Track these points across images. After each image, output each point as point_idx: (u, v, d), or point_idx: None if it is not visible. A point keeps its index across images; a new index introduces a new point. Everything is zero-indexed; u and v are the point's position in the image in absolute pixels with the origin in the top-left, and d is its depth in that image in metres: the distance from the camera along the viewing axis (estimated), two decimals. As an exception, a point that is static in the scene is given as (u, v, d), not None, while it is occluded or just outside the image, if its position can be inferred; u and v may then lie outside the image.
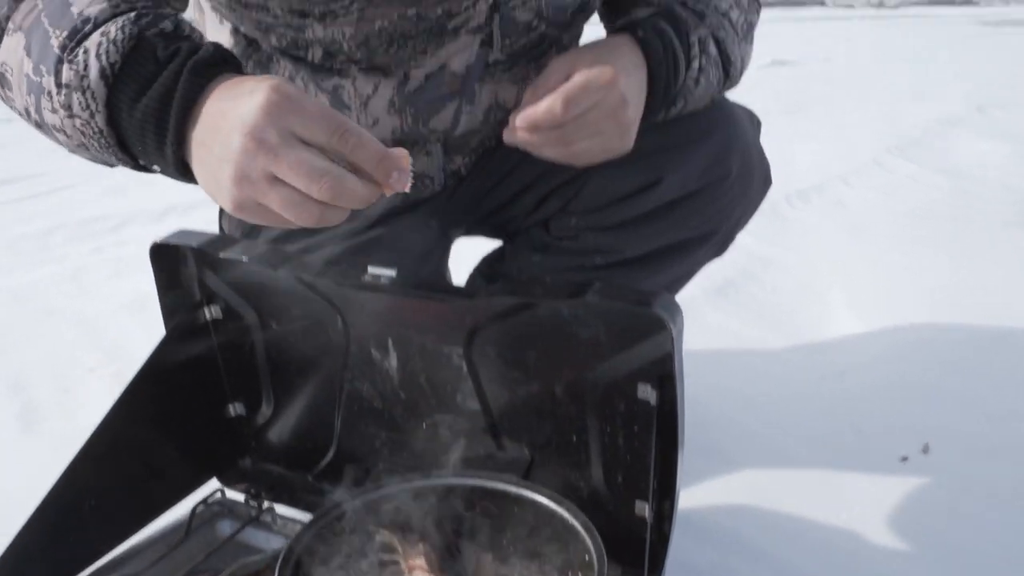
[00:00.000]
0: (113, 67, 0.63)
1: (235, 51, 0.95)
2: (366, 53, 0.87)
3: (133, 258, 2.19)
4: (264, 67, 0.93)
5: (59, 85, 0.64)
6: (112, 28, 0.63)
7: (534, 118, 0.79)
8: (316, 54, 0.88)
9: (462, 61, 0.90)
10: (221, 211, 1.09)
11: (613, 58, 0.83)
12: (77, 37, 0.64)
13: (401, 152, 0.60)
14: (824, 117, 4.48)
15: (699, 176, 0.98)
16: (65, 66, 0.64)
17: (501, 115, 0.97)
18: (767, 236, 2.19)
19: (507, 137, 0.82)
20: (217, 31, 0.95)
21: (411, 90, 0.91)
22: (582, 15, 0.96)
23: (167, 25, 0.66)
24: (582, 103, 0.79)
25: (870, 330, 1.66)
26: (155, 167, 0.67)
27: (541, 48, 0.96)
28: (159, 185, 2.81)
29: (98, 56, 0.63)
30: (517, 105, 0.91)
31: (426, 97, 0.92)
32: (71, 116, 0.65)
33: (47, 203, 2.84)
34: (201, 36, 0.68)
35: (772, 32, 16.81)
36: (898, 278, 1.93)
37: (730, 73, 0.97)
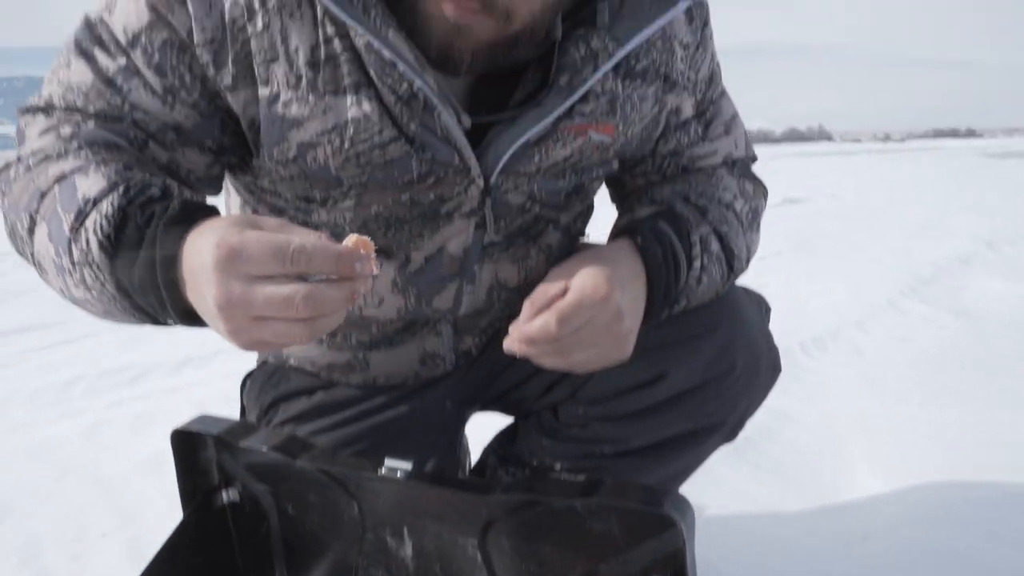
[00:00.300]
0: (108, 239, 0.68)
1: None
2: (366, 235, 0.91)
3: (151, 413, 2.20)
4: None
5: (73, 264, 0.71)
6: (104, 204, 0.69)
7: (529, 334, 0.80)
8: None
9: (459, 244, 0.94)
10: (243, 384, 1.12)
11: (610, 269, 0.84)
12: (80, 218, 0.70)
13: (354, 243, 0.63)
14: (836, 256, 4.54)
15: (703, 371, 0.99)
16: (73, 246, 0.70)
17: (505, 294, 1.00)
18: (784, 387, 2.16)
19: (506, 346, 0.84)
20: (241, 212, 1.01)
21: (412, 271, 0.95)
22: (577, 196, 1.00)
23: (154, 192, 0.71)
24: (575, 321, 0.80)
25: (892, 490, 1.63)
26: (168, 320, 0.70)
27: (538, 228, 0.99)
28: (177, 335, 2.88)
29: (95, 232, 0.69)
30: (519, 285, 0.94)
31: (427, 278, 0.95)
32: (88, 289, 0.71)
33: (68, 352, 2.89)
34: (180, 194, 0.73)
35: (781, 168, 17.34)
36: (919, 432, 1.91)
37: (734, 267, 0.98)
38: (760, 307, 1.08)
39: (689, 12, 0.97)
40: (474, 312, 1.00)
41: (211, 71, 0.80)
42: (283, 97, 0.81)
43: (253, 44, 0.80)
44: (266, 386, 1.09)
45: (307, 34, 0.80)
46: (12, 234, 0.79)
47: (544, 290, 0.84)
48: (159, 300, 0.67)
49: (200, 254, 0.62)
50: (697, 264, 0.93)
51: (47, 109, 0.82)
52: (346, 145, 0.83)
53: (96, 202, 0.70)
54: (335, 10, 0.76)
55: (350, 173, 0.86)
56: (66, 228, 0.71)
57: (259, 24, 0.79)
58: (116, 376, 2.58)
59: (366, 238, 0.64)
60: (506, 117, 0.87)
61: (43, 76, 0.86)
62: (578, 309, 0.80)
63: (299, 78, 0.81)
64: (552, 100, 0.86)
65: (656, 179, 1.05)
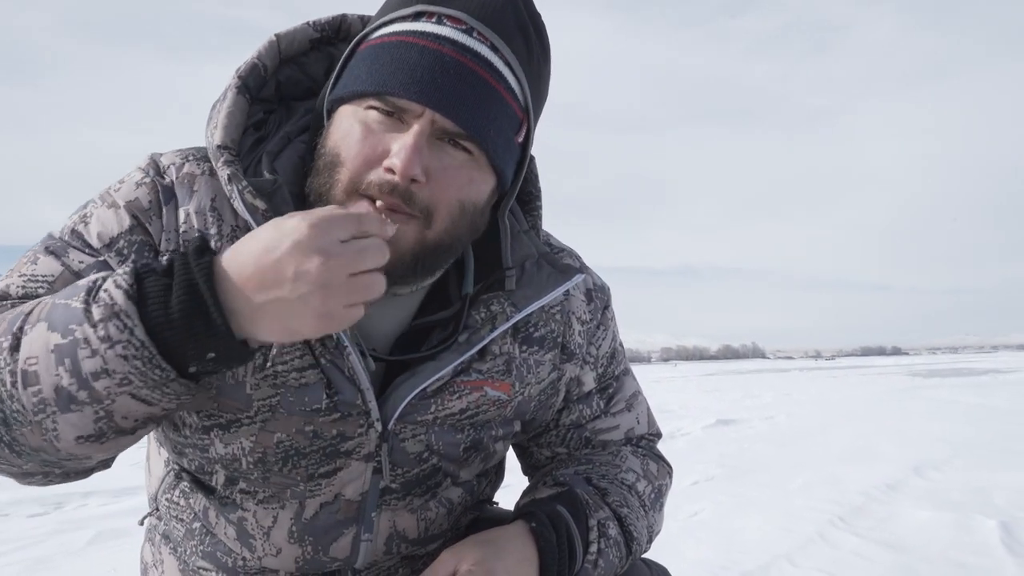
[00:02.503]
0: (132, 288, 0.70)
1: (166, 481, 1.00)
2: (262, 471, 0.90)
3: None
4: (187, 496, 0.97)
5: (94, 325, 0.70)
6: (116, 274, 0.72)
7: None
8: (219, 479, 0.92)
9: (356, 488, 0.93)
10: None
11: (501, 556, 0.85)
12: (93, 291, 0.72)
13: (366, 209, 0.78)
14: (768, 483, 4.55)
15: None
16: (93, 307, 0.70)
17: (404, 546, 0.98)
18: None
19: None
20: (156, 458, 1.03)
21: (308, 517, 0.93)
22: (477, 453, 1.00)
23: (158, 265, 0.73)
24: None
25: None
26: (210, 355, 0.70)
27: (436, 479, 0.99)
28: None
29: (117, 287, 0.70)
30: (419, 537, 0.94)
31: (323, 524, 0.94)
32: (112, 344, 0.69)
33: None
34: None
35: (716, 387, 17.72)
36: None
37: (632, 549, 0.98)
38: None
39: (589, 294, 1.06)
40: (373, 564, 0.98)
41: None
42: None
43: None
44: None
45: None
46: None
47: (433, 569, 0.85)
48: (205, 322, 0.69)
49: (267, 248, 0.69)
50: (594, 548, 0.93)
51: (2, 297, 0.84)
52: (268, 364, 0.86)
53: (105, 278, 0.72)
54: None
55: (263, 393, 0.87)
56: (78, 307, 0.71)
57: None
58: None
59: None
60: (400, 360, 0.91)
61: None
62: None
63: None
64: (449, 355, 0.91)
65: (562, 451, 1.08)
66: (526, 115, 0.88)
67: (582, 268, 1.07)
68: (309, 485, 0.92)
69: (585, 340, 1.04)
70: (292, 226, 0.69)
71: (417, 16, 0.83)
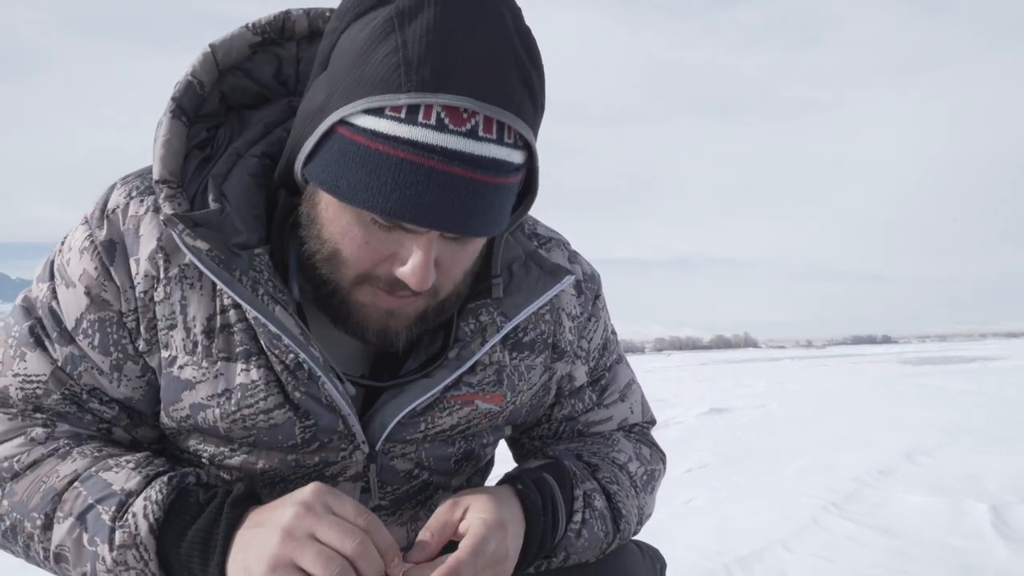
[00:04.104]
0: (158, 521, 0.76)
1: None
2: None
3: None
4: None
5: (113, 548, 0.77)
6: (152, 492, 0.78)
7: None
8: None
9: None
10: None
11: (499, 510, 0.82)
12: (124, 508, 0.78)
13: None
14: (761, 470, 4.58)
15: None
16: (118, 532, 0.77)
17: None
18: (709, 617, 2.12)
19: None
20: None
21: None
22: (468, 463, 0.99)
23: (192, 479, 0.81)
24: (478, 564, 0.77)
25: None
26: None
27: (427, 493, 0.98)
28: None
29: (145, 516, 0.77)
30: (408, 547, 0.92)
31: None
32: (127, 569, 0.76)
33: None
34: (226, 481, 0.86)
35: (708, 376, 17.77)
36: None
37: (620, 527, 0.96)
38: (655, 565, 1.05)
39: (579, 285, 1.02)
40: None
41: (134, 337, 0.86)
42: (179, 360, 0.85)
43: (157, 311, 0.85)
44: None
45: (205, 304, 0.85)
46: (9, 532, 0.83)
47: (432, 523, 0.81)
48: (203, 563, 0.75)
49: (274, 515, 0.74)
50: (578, 518, 0.92)
51: (3, 402, 0.87)
52: (233, 408, 0.85)
53: (138, 493, 0.78)
54: (227, 290, 0.81)
55: (238, 434, 0.87)
56: (106, 519, 0.77)
57: (161, 293, 0.85)
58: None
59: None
60: (392, 385, 0.89)
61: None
62: (479, 556, 0.77)
63: (195, 344, 0.85)
64: (440, 372, 0.88)
65: (552, 443, 1.06)
66: (531, 156, 0.81)
67: (572, 258, 1.03)
68: None
69: (576, 336, 1.01)
70: (311, 493, 0.75)
71: (412, 112, 0.71)
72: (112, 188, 0.89)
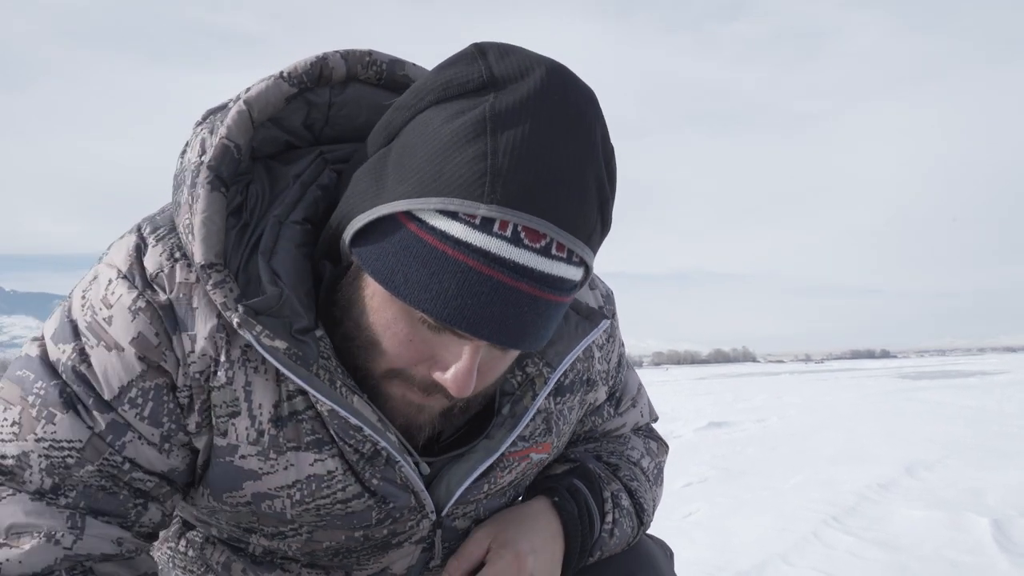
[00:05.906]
0: None
1: (171, 530, 0.97)
2: (310, 558, 0.92)
3: None
4: (197, 548, 0.95)
5: None
6: None
7: None
8: (257, 550, 0.92)
9: (403, 564, 0.94)
10: None
11: (525, 541, 0.89)
12: None
13: None
14: (761, 484, 4.57)
15: None
16: None
17: None
18: (710, 631, 2.11)
19: None
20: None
21: None
22: (515, 500, 1.02)
23: None
24: None
25: None
26: None
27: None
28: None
29: None
30: None
31: None
32: None
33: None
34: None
35: (707, 390, 17.74)
36: None
37: (643, 520, 1.02)
38: (665, 553, 1.09)
39: (601, 310, 0.99)
40: None
41: (186, 414, 0.79)
42: (242, 450, 0.80)
43: (214, 396, 0.78)
44: None
45: (271, 390, 0.79)
46: None
47: (465, 550, 0.90)
48: None
49: None
50: (609, 519, 0.97)
51: (15, 476, 0.76)
52: (307, 499, 0.82)
53: None
54: (308, 388, 0.76)
55: (306, 519, 0.85)
56: None
57: (223, 377, 0.77)
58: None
59: None
60: (457, 455, 0.88)
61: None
62: None
63: (260, 433, 0.79)
64: (499, 432, 0.87)
65: (568, 447, 1.08)
66: (587, 273, 0.76)
67: (591, 283, 0.99)
68: (358, 565, 0.94)
69: (604, 364, 1.02)
70: None
71: (488, 221, 0.67)
72: (142, 239, 0.80)
